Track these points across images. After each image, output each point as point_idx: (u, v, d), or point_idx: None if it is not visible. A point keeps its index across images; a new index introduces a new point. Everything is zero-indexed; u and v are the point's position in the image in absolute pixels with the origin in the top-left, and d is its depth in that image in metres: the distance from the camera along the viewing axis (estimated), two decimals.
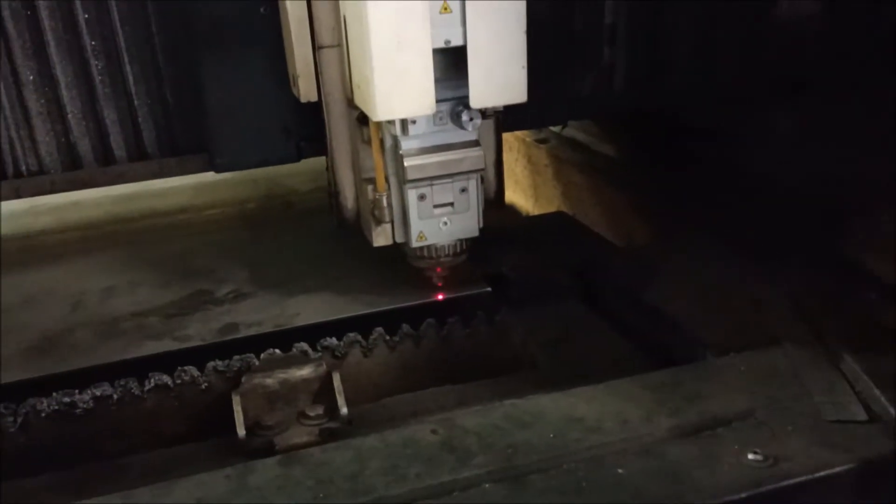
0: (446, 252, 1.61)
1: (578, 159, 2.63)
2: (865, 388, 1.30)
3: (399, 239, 1.59)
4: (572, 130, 2.73)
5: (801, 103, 1.90)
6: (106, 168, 1.71)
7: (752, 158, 1.98)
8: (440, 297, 1.69)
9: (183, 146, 1.76)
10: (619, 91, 1.92)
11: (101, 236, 2.26)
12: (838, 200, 1.73)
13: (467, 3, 1.32)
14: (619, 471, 1.21)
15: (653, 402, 1.36)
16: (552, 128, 2.74)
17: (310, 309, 1.71)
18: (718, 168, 2.07)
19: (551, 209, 2.72)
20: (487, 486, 1.21)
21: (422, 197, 1.51)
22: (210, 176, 2.62)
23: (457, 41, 1.34)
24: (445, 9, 1.33)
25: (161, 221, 2.36)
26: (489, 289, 1.73)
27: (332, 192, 1.69)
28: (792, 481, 1.16)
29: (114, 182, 1.75)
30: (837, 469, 1.18)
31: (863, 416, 1.26)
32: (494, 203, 1.75)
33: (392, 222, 1.57)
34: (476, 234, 1.59)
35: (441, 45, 1.34)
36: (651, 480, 1.18)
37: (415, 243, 1.55)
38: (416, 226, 1.53)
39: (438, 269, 1.66)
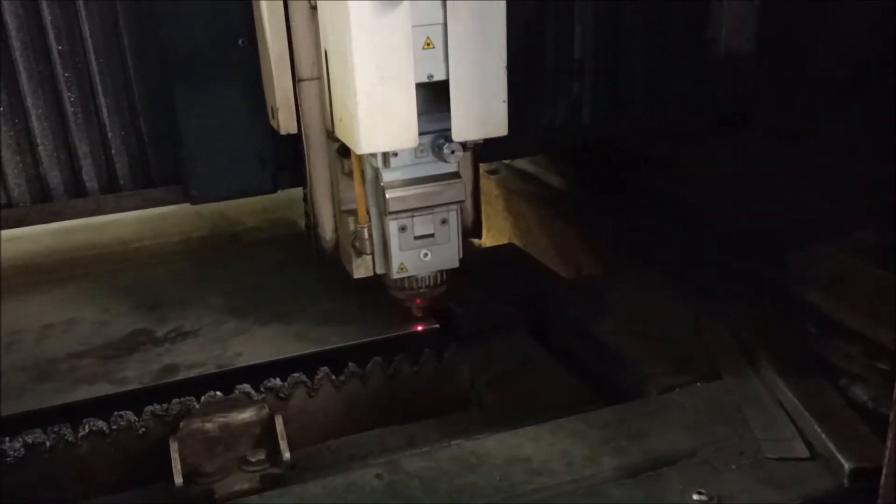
0: (427, 283, 1.60)
1: (528, 190, 2.65)
2: (807, 424, 1.31)
3: (379, 270, 1.57)
4: (521, 162, 2.75)
5: (741, 140, 1.94)
6: (77, 200, 1.67)
7: (695, 192, 2.01)
8: (388, 334, 1.67)
9: (157, 178, 1.73)
10: (585, 123, 1.96)
11: (39, 271, 2.18)
12: (777, 234, 1.77)
13: (450, 39, 1.33)
14: None
15: (598, 441, 1.36)
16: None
17: (253, 348, 1.67)
18: (663, 201, 2.10)
19: (503, 240, 2.73)
20: None
21: (403, 228, 1.50)
22: (153, 209, 2.58)
23: (439, 76, 1.36)
24: (428, 44, 1.34)
25: (102, 255, 2.29)
26: (437, 325, 1.71)
27: (311, 223, 1.67)
28: None
29: (86, 214, 1.71)
30: None
31: (804, 453, 1.27)
32: (472, 233, 1.76)
33: (373, 254, 1.56)
34: (456, 265, 1.59)
35: (424, 79, 1.35)
36: None
37: (395, 275, 1.54)
38: (396, 257, 1.52)
39: (418, 301, 1.65)
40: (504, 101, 1.41)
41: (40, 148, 1.62)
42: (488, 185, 2.85)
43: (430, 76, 1.36)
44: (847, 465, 1.20)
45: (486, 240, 2.82)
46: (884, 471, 1.13)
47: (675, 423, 1.39)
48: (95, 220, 2.49)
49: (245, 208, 2.49)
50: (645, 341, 1.65)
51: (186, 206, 2.57)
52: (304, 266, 2.06)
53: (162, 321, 1.80)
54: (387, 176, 1.45)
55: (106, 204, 1.69)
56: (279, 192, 2.57)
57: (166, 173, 1.72)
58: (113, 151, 1.67)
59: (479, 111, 1.40)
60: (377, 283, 1.72)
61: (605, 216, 2.30)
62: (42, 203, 1.65)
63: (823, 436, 1.26)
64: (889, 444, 1.11)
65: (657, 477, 1.26)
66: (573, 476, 1.28)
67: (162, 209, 2.55)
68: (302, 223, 2.40)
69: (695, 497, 1.20)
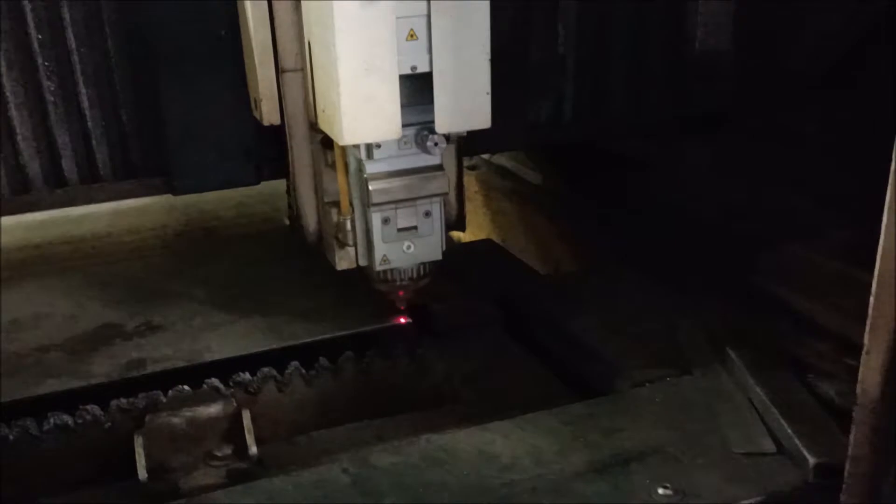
0: (410, 275, 1.59)
1: (507, 187, 2.64)
2: (774, 420, 1.31)
3: (362, 262, 1.56)
4: (501, 158, 2.74)
5: (717, 139, 1.95)
6: (57, 190, 1.64)
7: (671, 191, 2.01)
8: (359, 328, 1.66)
9: (139, 169, 1.70)
10: (568, 120, 1.96)
11: (10, 266, 2.15)
12: (751, 233, 1.77)
13: (434, 31, 1.32)
14: None
15: (568, 436, 1.35)
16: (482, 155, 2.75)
17: (223, 343, 1.66)
18: (640, 199, 2.10)
19: (482, 236, 2.72)
20: None
21: (386, 220, 1.49)
22: (129, 202, 2.56)
23: (423, 67, 1.35)
24: (412, 36, 1.33)
25: (77, 249, 2.26)
26: (410, 321, 1.70)
27: (294, 215, 1.66)
28: None
29: (65, 205, 1.68)
30: (744, 503, 1.19)
31: (771, 448, 1.28)
32: (455, 226, 1.74)
33: (356, 245, 1.55)
34: (439, 257, 1.57)
35: (408, 71, 1.34)
36: None
37: (378, 267, 1.52)
38: (379, 249, 1.51)
39: (401, 293, 1.64)
40: (487, 94, 1.40)
41: (19, 137, 1.59)
42: (468, 181, 2.82)
43: (414, 68, 1.35)
44: (811, 460, 1.20)
45: (465, 236, 2.81)
46: (846, 466, 1.14)
47: (645, 418, 1.38)
48: (71, 214, 2.47)
49: (222, 203, 2.47)
50: (618, 337, 1.65)
51: (163, 200, 2.57)
52: (279, 261, 2.05)
53: (132, 315, 1.78)
54: (370, 168, 1.44)
55: (86, 195, 1.66)
56: (255, 187, 2.57)
57: (148, 164, 1.69)
58: (94, 142, 1.65)
59: (463, 103, 1.39)
60: (353, 279, 1.72)
61: (583, 214, 2.30)
62: (22, 194, 1.62)
63: (790, 431, 1.26)
64: (852, 439, 1.12)
65: (625, 472, 1.26)
66: (542, 471, 1.27)
67: (139, 203, 2.53)
68: (279, 218, 2.40)
69: (660, 491, 1.20)
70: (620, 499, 1.20)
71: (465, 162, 2.83)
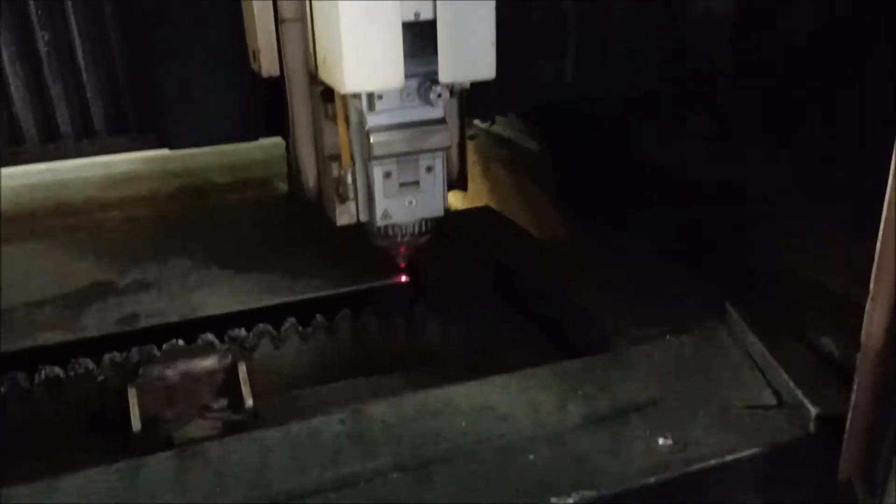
0: (411, 231, 1.56)
1: (504, 156, 2.62)
2: (774, 374, 1.30)
3: (363, 217, 1.53)
4: (498, 127, 2.72)
5: (717, 103, 1.93)
6: (50, 144, 1.61)
7: (669, 157, 1.99)
8: (354, 287, 1.64)
9: (133, 124, 1.66)
10: (570, 81, 1.93)
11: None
12: (749, 199, 1.75)
13: None
14: (530, 457, 1.18)
15: (565, 390, 1.34)
16: (479, 123, 2.72)
17: (218, 299, 1.63)
18: (637, 166, 2.08)
19: (480, 204, 2.70)
20: (394, 476, 1.16)
21: (387, 175, 1.46)
22: (121, 166, 2.53)
23: (426, 15, 1.31)
24: None
25: (65, 213, 2.23)
26: (404, 279, 1.68)
27: (292, 172, 1.63)
28: (701, 465, 1.16)
29: (56, 158, 1.66)
30: (745, 452, 1.18)
31: (771, 401, 1.27)
32: (457, 185, 1.72)
33: (356, 200, 1.52)
34: (441, 213, 1.55)
35: (411, 17, 1.31)
36: (561, 467, 1.16)
37: (380, 222, 1.50)
38: (381, 204, 1.48)
39: (402, 249, 1.62)
40: (492, 44, 1.37)
41: (12, 89, 1.56)
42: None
43: (417, 14, 1.33)
44: (813, 411, 1.19)
45: (463, 204, 2.79)
46: (848, 414, 1.13)
47: (643, 373, 1.37)
48: (60, 178, 2.45)
49: (213, 166, 2.45)
50: (615, 298, 1.64)
51: (154, 167, 2.55)
52: (273, 223, 2.03)
53: (124, 273, 1.76)
54: (371, 120, 1.41)
55: (78, 149, 1.63)
56: (247, 153, 2.55)
57: (142, 119, 1.66)
58: (88, 95, 1.62)
59: (467, 52, 1.36)
60: (349, 239, 1.70)
61: (581, 182, 2.28)
62: (15, 146, 1.59)
63: (791, 384, 1.25)
64: (855, 387, 1.11)
65: (624, 423, 1.25)
66: (540, 423, 1.26)
67: (130, 169, 2.51)
68: (272, 183, 2.38)
69: (661, 441, 1.19)
70: (620, 448, 1.19)
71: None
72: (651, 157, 2.08)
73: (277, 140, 1.85)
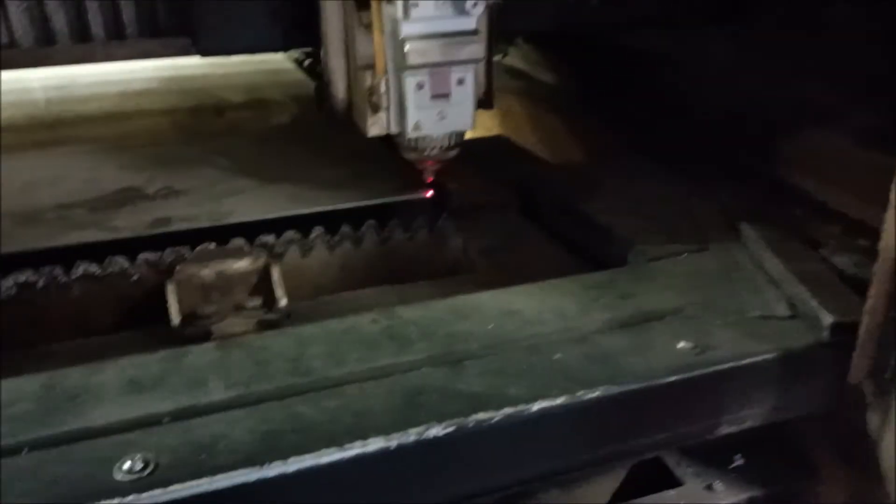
0: (441, 144, 1.60)
1: (518, 87, 2.64)
2: (790, 287, 1.36)
3: (394, 129, 1.56)
4: (512, 59, 2.73)
5: (739, 29, 1.95)
6: (82, 45, 1.62)
7: (690, 84, 2.02)
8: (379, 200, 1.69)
9: (164, 28, 1.67)
10: (595, 4, 1.94)
11: (17, 135, 2.13)
12: (769, 122, 1.80)
13: None
14: (556, 356, 1.24)
15: (589, 299, 1.40)
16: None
17: (246, 207, 1.67)
18: (657, 93, 2.11)
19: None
20: (426, 369, 1.22)
21: (420, 86, 1.49)
22: (136, 84, 2.53)
23: None
24: None
25: (85, 124, 2.24)
26: (430, 193, 1.72)
27: (323, 81, 1.65)
28: (719, 367, 1.22)
29: (84, 61, 1.65)
30: (761, 357, 1.24)
31: (785, 312, 1.33)
32: (484, 103, 1.74)
33: (388, 110, 1.55)
34: (471, 127, 1.59)
35: None
36: (586, 364, 1.22)
37: (411, 133, 1.53)
38: (412, 115, 1.51)
39: (430, 163, 1.65)
40: None
41: None
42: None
43: None
44: (827, 319, 1.25)
45: (475, 134, 2.82)
46: (863, 320, 1.20)
47: (664, 285, 1.43)
48: (77, 93, 2.45)
49: (227, 86, 2.46)
50: (633, 218, 1.68)
51: (169, 84, 2.55)
52: (294, 138, 2.05)
53: (152, 179, 1.79)
54: (406, 28, 1.43)
55: (107, 51, 1.64)
56: (262, 74, 2.55)
57: (173, 24, 1.66)
58: None
59: None
60: (374, 155, 1.73)
61: (597, 111, 2.31)
62: (46, 46, 1.59)
63: (806, 296, 1.31)
64: (870, 293, 1.17)
65: (645, 329, 1.31)
66: (564, 326, 1.32)
67: (145, 87, 2.51)
68: (289, 104, 2.39)
69: (680, 345, 1.25)
70: (643, 349, 1.25)
71: None
72: (669, 82, 2.11)
73: (287, 64, 1.87)
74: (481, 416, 1.13)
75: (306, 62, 2.59)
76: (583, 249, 1.71)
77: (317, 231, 1.62)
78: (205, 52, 1.70)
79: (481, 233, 1.75)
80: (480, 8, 1.42)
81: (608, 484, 1.41)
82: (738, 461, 1.38)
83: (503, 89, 2.71)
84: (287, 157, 1.93)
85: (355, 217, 1.67)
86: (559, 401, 1.16)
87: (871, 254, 1.17)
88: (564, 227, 1.79)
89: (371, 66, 1.54)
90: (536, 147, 2.43)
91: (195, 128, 2.17)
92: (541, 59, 2.57)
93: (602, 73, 2.32)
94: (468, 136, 2.86)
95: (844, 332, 1.24)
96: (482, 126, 2.84)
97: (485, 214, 1.81)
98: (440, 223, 1.70)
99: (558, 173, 2.00)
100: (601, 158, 2.11)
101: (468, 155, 2.14)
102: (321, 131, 2.03)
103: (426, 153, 1.62)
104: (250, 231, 1.59)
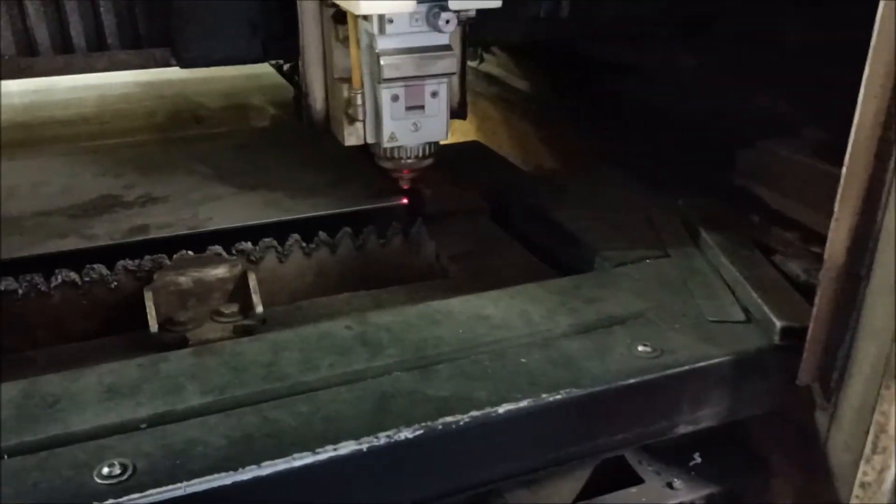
0: (415, 154, 1.65)
1: (493, 93, 2.69)
2: (744, 293, 1.43)
3: (370, 139, 1.61)
4: (488, 65, 2.78)
5: (703, 43, 2.02)
6: (63, 57, 1.65)
7: (656, 95, 2.08)
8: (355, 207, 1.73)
9: (145, 39, 1.71)
10: (565, 17, 1.99)
11: None
12: (732, 134, 1.86)
13: None
14: (522, 360, 1.29)
15: (554, 303, 1.45)
16: (469, 62, 2.78)
17: (224, 214, 1.71)
18: (624, 103, 2.18)
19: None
20: (397, 374, 1.27)
21: (395, 98, 1.54)
22: (115, 89, 2.55)
23: None
24: None
25: (64, 129, 2.27)
26: (405, 201, 1.77)
27: (301, 92, 1.70)
28: (676, 370, 1.28)
29: (64, 72, 1.69)
30: (716, 360, 1.30)
31: (740, 316, 1.39)
32: (457, 114, 1.79)
33: (364, 122, 1.59)
34: (444, 137, 1.64)
35: None
36: (549, 368, 1.27)
37: (386, 143, 1.58)
38: (388, 126, 1.56)
39: (405, 172, 1.70)
40: None
41: (26, 1, 1.59)
42: None
43: None
44: (778, 323, 1.32)
45: (451, 140, 2.87)
46: (810, 326, 1.26)
47: (626, 291, 1.49)
48: (57, 98, 2.47)
49: (205, 92, 2.49)
50: (600, 226, 1.74)
51: (148, 89, 2.57)
52: (272, 144, 2.09)
53: (131, 187, 1.82)
54: (382, 43, 1.48)
55: (87, 62, 1.68)
56: (239, 81, 2.59)
57: (154, 35, 1.70)
58: (101, 9, 1.65)
59: None
60: (351, 163, 1.77)
61: (568, 118, 2.37)
62: (29, 57, 1.62)
63: (758, 300, 1.38)
64: (817, 301, 1.24)
65: (608, 333, 1.37)
66: (530, 331, 1.37)
67: (123, 91, 2.54)
68: (266, 109, 2.42)
69: (640, 348, 1.31)
70: (603, 353, 1.31)
71: None
72: (636, 93, 2.17)
73: (267, 68, 1.91)
74: (448, 419, 1.18)
75: (286, 66, 2.63)
76: (552, 255, 1.77)
77: (293, 238, 1.66)
78: (185, 64, 1.73)
79: (454, 239, 1.80)
80: (453, 25, 1.47)
81: (574, 483, 1.47)
82: (697, 459, 1.44)
83: (479, 95, 2.78)
84: (265, 164, 1.97)
85: (331, 224, 1.71)
86: (523, 403, 1.21)
87: (822, 261, 1.23)
88: (534, 233, 1.85)
89: (348, 79, 1.59)
90: (510, 152, 2.49)
91: (174, 133, 2.20)
92: (515, 67, 2.63)
93: (572, 82, 2.38)
94: (444, 141, 2.92)
95: (794, 336, 1.31)
96: (460, 130, 2.90)
97: (458, 221, 1.86)
98: (414, 229, 1.75)
99: (529, 180, 2.06)
100: (570, 165, 2.17)
101: (444, 161, 2.19)
102: (299, 137, 2.07)
103: (401, 162, 1.68)
104: (227, 238, 1.63)
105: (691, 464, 1.44)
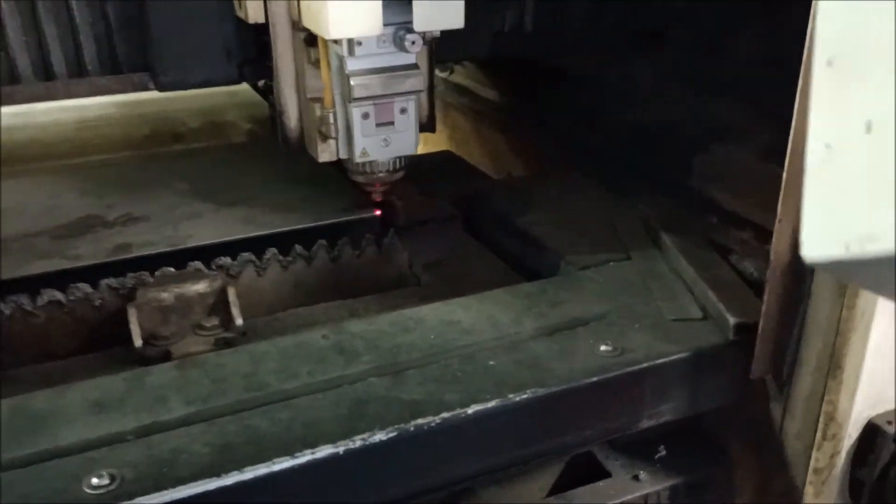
0: (386, 168, 1.73)
1: (463, 103, 2.76)
2: (701, 292, 1.50)
3: (343, 155, 1.68)
4: (458, 76, 2.86)
5: (660, 54, 2.10)
6: (45, 84, 1.70)
7: (615, 104, 2.17)
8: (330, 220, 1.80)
9: (124, 65, 1.76)
10: (529, 32, 2.07)
11: None
12: (686, 139, 1.94)
13: None
14: (490, 363, 1.36)
15: (521, 307, 1.52)
16: (439, 73, 2.85)
17: (203, 231, 1.76)
18: (586, 113, 2.25)
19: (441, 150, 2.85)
20: (371, 379, 1.33)
21: (365, 115, 1.61)
22: (93, 110, 2.60)
23: None
24: None
25: (44, 151, 2.31)
26: (378, 212, 1.84)
27: (276, 112, 1.77)
28: (636, 367, 1.35)
29: (44, 99, 1.73)
30: (674, 357, 1.38)
31: (698, 314, 1.47)
32: (426, 127, 1.87)
33: (337, 139, 1.66)
34: (414, 151, 1.71)
35: None
36: (516, 369, 1.34)
37: (358, 159, 1.65)
38: (359, 143, 1.63)
39: (378, 185, 1.78)
40: None
41: (8, 30, 1.64)
42: None
43: None
44: (732, 320, 1.39)
45: (424, 149, 2.94)
46: (760, 322, 1.34)
47: (589, 293, 1.56)
48: (35, 121, 2.51)
49: (183, 110, 2.54)
50: (565, 231, 1.82)
51: (126, 111, 2.62)
52: (250, 161, 2.15)
53: (112, 207, 1.87)
54: (351, 64, 1.55)
55: (68, 89, 1.73)
56: (216, 101, 2.64)
57: (133, 61, 1.76)
58: (81, 36, 1.70)
59: (439, 3, 1.52)
60: (325, 179, 1.83)
61: (534, 127, 2.44)
62: (11, 85, 1.68)
63: (714, 300, 1.45)
64: (765, 298, 1.31)
65: (572, 334, 1.44)
66: (498, 334, 1.44)
67: (101, 113, 2.59)
68: (243, 127, 2.48)
69: (602, 348, 1.38)
70: (567, 354, 1.38)
71: None
72: (599, 103, 2.25)
73: (244, 86, 1.97)
74: (420, 421, 1.24)
75: (261, 83, 2.69)
76: (520, 261, 1.84)
77: (271, 252, 1.71)
78: (163, 88, 1.79)
79: (426, 247, 1.87)
80: (419, 45, 1.54)
81: (545, 479, 1.54)
82: (662, 452, 1.52)
83: (449, 106, 2.85)
84: (243, 179, 2.02)
85: (308, 237, 1.77)
86: (491, 404, 1.28)
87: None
88: (503, 240, 1.92)
89: (320, 99, 1.65)
90: (481, 161, 2.56)
91: (153, 152, 2.25)
92: (484, 77, 2.70)
93: (538, 93, 2.45)
94: (420, 150, 2.99)
95: (747, 331, 1.38)
96: (432, 141, 2.97)
97: (429, 229, 1.92)
98: (387, 240, 1.81)
99: (498, 189, 2.13)
100: (537, 173, 2.24)
101: (417, 171, 2.26)
102: (276, 153, 2.12)
103: (373, 176, 1.75)
104: (207, 254, 1.69)
105: (657, 456, 1.52)
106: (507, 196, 2.03)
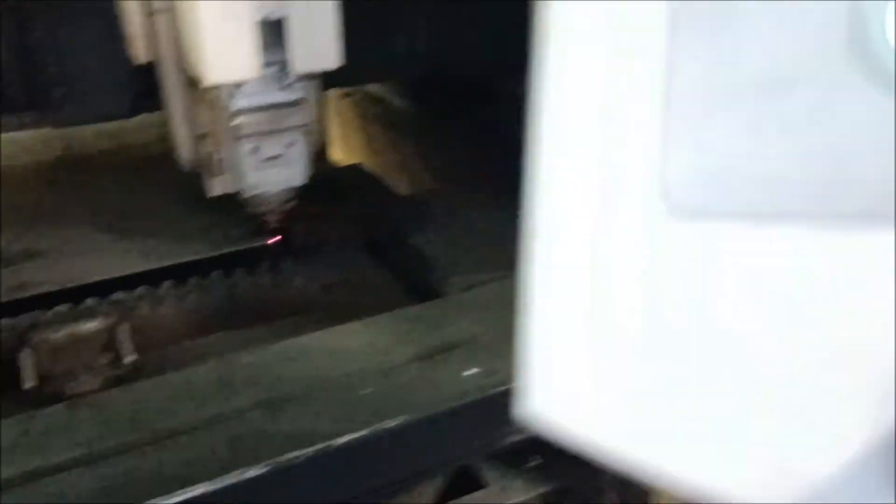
0: (278, 199, 1.79)
1: (377, 113, 2.82)
2: None
3: (233, 189, 1.75)
4: (372, 86, 2.90)
5: None
6: None
7: (519, 119, 2.24)
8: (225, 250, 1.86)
9: (15, 103, 1.78)
10: (422, 53, 2.13)
11: None
12: None
13: None
14: (364, 391, 1.45)
15: (402, 332, 1.60)
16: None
17: (101, 265, 1.81)
18: (492, 127, 2.33)
19: (357, 158, 2.90)
20: (250, 414, 1.41)
21: (253, 150, 1.67)
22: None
23: (277, 15, 1.53)
24: None
25: None
26: (274, 240, 1.90)
27: (173, 146, 1.82)
28: (499, 389, 1.45)
29: None
30: None
31: None
32: (319, 156, 1.93)
33: (226, 174, 1.72)
34: (303, 182, 1.78)
35: (263, 17, 1.51)
36: (388, 398, 1.43)
37: (249, 192, 1.71)
38: (249, 177, 1.70)
39: (270, 215, 1.84)
40: (335, 37, 1.59)
41: None
42: (344, 107, 3.00)
43: (268, 15, 1.52)
44: None
45: (343, 158, 2.99)
46: None
47: (468, 316, 1.64)
48: None
49: (91, 133, 2.56)
50: (456, 249, 1.90)
51: (34, 133, 2.62)
52: (154, 189, 2.19)
53: (11, 242, 1.91)
54: (236, 103, 1.61)
55: None
56: (133, 122, 2.66)
57: (26, 99, 1.78)
58: None
59: (314, 47, 1.58)
60: (223, 207, 1.89)
61: (444, 139, 2.51)
62: None
63: None
64: None
65: (445, 358, 1.52)
66: (376, 361, 1.52)
67: (6, 136, 2.59)
68: (154, 148, 2.51)
69: (470, 371, 1.47)
70: (436, 379, 1.46)
71: (342, 90, 3.00)
72: (504, 118, 2.32)
73: None
74: (294, 454, 1.33)
75: None
76: (413, 282, 1.92)
77: (167, 284, 1.77)
78: (55, 125, 1.83)
79: (324, 271, 1.94)
80: (301, 84, 1.60)
81: (427, 493, 1.63)
82: (536, 461, 1.62)
83: (363, 116, 2.90)
84: (145, 209, 2.07)
85: (205, 267, 1.84)
86: (362, 433, 1.37)
87: None
88: (400, 260, 2.00)
89: (210, 134, 1.71)
90: (393, 174, 2.62)
91: (57, 180, 2.28)
92: (395, 88, 2.75)
93: (447, 105, 2.52)
94: (333, 161, 3.03)
95: None
96: (351, 149, 3.03)
97: (329, 253, 1.99)
98: (282, 265, 1.88)
99: (398, 206, 2.20)
100: (443, 189, 2.31)
101: (322, 188, 2.32)
102: (180, 177, 2.16)
103: (265, 207, 1.81)
104: (103, 289, 1.74)
105: (529, 465, 1.62)
106: (406, 213, 2.10)
